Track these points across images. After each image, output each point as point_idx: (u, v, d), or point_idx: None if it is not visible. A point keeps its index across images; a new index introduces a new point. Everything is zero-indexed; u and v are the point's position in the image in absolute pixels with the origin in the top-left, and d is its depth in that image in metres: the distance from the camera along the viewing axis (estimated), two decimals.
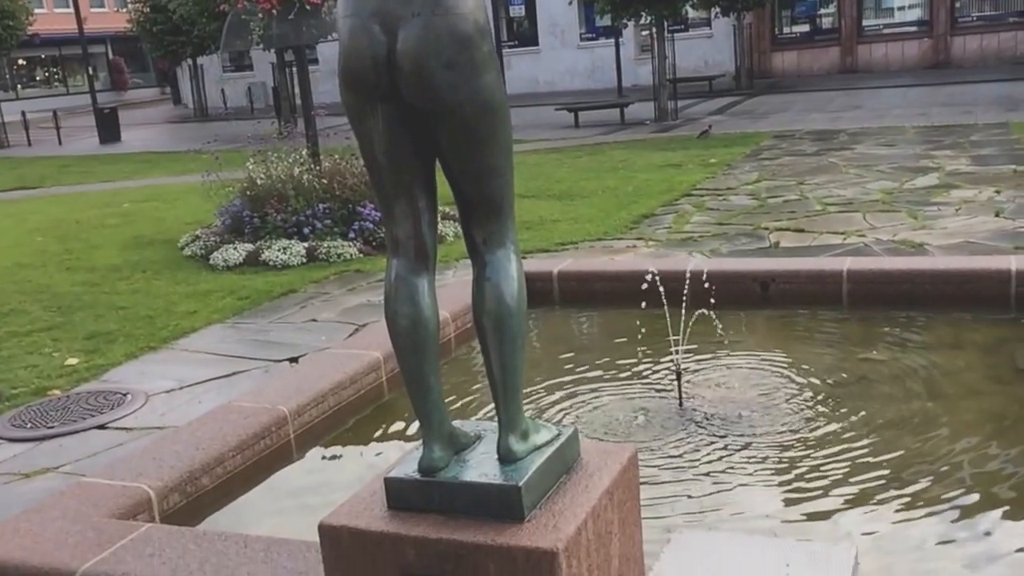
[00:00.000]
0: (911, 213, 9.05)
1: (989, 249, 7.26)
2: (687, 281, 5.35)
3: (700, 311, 4.64)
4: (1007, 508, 3.25)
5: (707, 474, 3.62)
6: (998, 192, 9.78)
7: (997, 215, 8.64)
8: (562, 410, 4.36)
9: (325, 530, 2.39)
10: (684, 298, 4.60)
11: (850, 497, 3.38)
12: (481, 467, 2.40)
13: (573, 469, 2.54)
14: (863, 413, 4.07)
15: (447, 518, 2.34)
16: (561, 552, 2.19)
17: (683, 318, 4.55)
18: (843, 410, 4.12)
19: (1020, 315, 5.19)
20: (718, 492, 3.49)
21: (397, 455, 4.01)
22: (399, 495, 2.40)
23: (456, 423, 2.57)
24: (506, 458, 2.41)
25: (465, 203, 2.41)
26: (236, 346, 6.34)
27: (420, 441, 2.56)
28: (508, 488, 2.30)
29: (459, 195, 2.42)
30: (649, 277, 4.65)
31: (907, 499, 3.34)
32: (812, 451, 3.75)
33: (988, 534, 3.11)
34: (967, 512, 3.24)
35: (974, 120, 16.17)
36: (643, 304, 4.74)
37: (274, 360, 5.92)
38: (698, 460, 3.74)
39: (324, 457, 4.14)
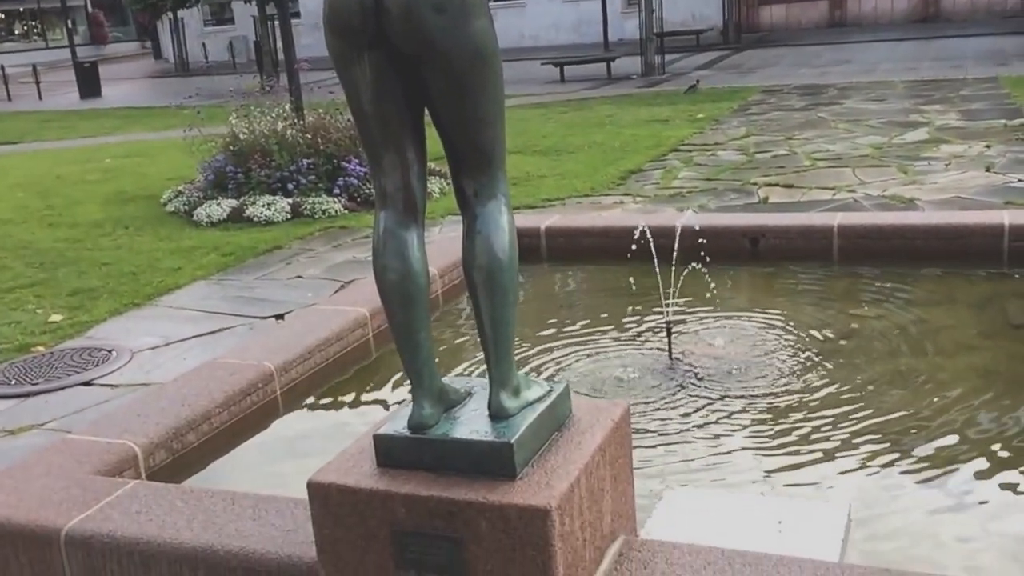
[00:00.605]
0: (901, 168, 9.01)
1: (980, 204, 7.24)
2: (677, 236, 5.33)
3: (690, 266, 4.60)
4: (1002, 466, 3.23)
5: (698, 432, 3.60)
6: (988, 147, 9.75)
7: (988, 170, 8.61)
8: (550, 366, 4.32)
9: (314, 488, 2.35)
10: (680, 253, 4.55)
11: (842, 455, 3.36)
12: (472, 424, 2.36)
13: (565, 426, 2.50)
14: (854, 370, 4.05)
15: (437, 475, 2.30)
16: (554, 510, 2.16)
17: (673, 274, 4.51)
18: (834, 367, 4.09)
19: (1012, 270, 5.17)
20: (709, 450, 3.47)
21: (385, 411, 3.99)
22: (388, 452, 2.36)
23: (446, 379, 2.53)
24: (498, 415, 2.36)
25: (455, 154, 2.35)
26: (221, 303, 6.28)
27: (409, 397, 2.52)
28: (500, 445, 2.26)
29: (449, 146, 2.35)
30: (638, 232, 4.60)
31: (900, 457, 3.32)
32: (804, 408, 3.72)
33: (982, 492, 3.09)
34: (961, 470, 3.22)
35: (964, 74, 16.10)
36: (630, 258, 4.69)
37: (259, 317, 5.87)
38: (689, 417, 3.72)
39: (311, 413, 4.10)
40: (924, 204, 7.44)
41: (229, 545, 2.68)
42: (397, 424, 2.40)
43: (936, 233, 5.44)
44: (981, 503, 3.03)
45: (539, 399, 2.45)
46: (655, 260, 4.50)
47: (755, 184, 8.76)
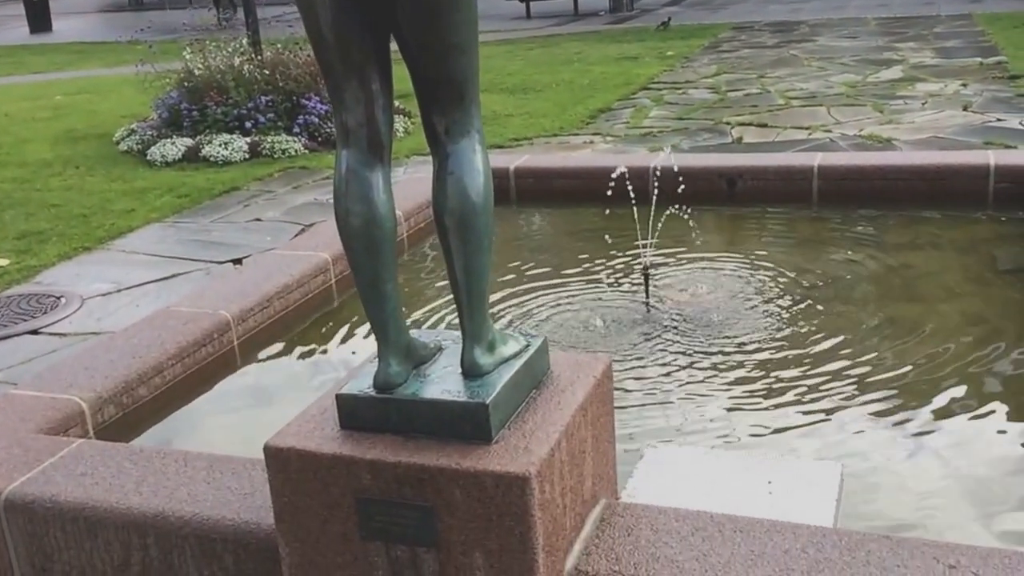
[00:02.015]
0: (877, 107, 8.85)
1: (959, 144, 7.10)
2: (651, 178, 5.14)
3: (665, 209, 4.40)
4: (996, 417, 3.10)
5: (679, 385, 3.43)
6: (964, 85, 9.62)
7: (965, 109, 8.48)
8: (521, 315, 4.13)
9: (271, 452, 2.15)
10: (655, 195, 4.36)
11: (830, 408, 3.21)
12: (443, 383, 2.16)
13: (543, 383, 2.32)
14: (839, 319, 3.89)
15: (406, 439, 2.11)
16: (534, 477, 1.97)
17: (650, 217, 4.31)
18: (818, 314, 3.94)
19: (997, 212, 5.03)
20: (691, 404, 3.29)
21: (348, 364, 3.79)
22: (352, 413, 2.17)
23: (414, 332, 2.33)
24: (471, 372, 2.17)
25: (424, 86, 2.12)
26: (176, 247, 6.05)
27: (375, 353, 2.32)
28: (474, 406, 2.07)
29: (417, 78, 2.12)
30: (615, 174, 4.40)
31: (890, 410, 3.16)
32: (788, 359, 3.56)
33: (977, 444, 2.95)
34: (954, 423, 3.08)
35: (937, 11, 15.93)
36: (603, 201, 4.49)
37: (216, 261, 5.64)
38: (668, 369, 3.55)
39: (270, 365, 3.88)
40: (902, 144, 7.29)
41: (181, 510, 2.48)
42: (362, 383, 2.20)
43: (919, 174, 5.29)
44: (977, 457, 2.89)
45: (515, 355, 2.26)
46: (633, 203, 4.29)
47: (728, 124, 8.57)
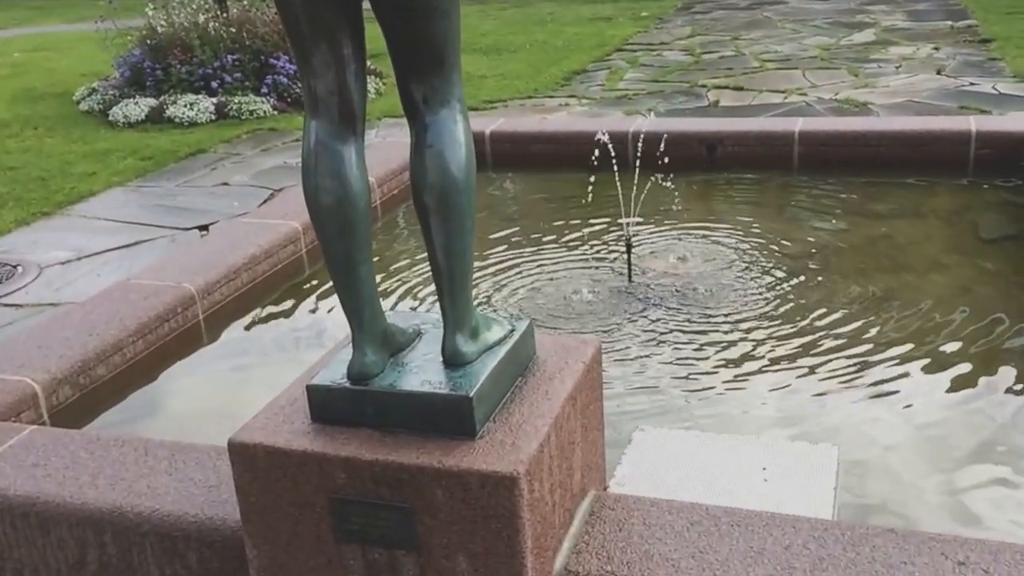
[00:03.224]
0: (851, 70, 8.74)
1: (935, 109, 7.00)
2: (630, 143, 4.99)
3: (646, 175, 4.24)
4: (991, 392, 2.99)
5: (663, 362, 3.29)
6: (937, 49, 9.53)
7: (939, 73, 8.39)
8: (491, 287, 3.97)
9: (236, 448, 1.99)
10: (637, 161, 4.21)
11: (821, 385, 3.09)
12: (423, 373, 2.01)
13: (529, 370, 2.17)
14: (825, 289, 3.77)
15: (383, 434, 1.96)
16: (522, 476, 1.83)
17: (628, 183, 4.15)
18: (803, 286, 3.81)
19: (978, 179, 4.94)
20: (677, 382, 3.17)
21: (321, 340, 3.63)
22: (325, 406, 2.01)
23: (390, 316, 2.17)
24: (453, 361, 2.02)
25: (400, 51, 1.94)
26: (139, 212, 5.83)
27: (348, 337, 2.17)
28: (457, 399, 1.92)
29: (393, 41, 1.95)
30: (596, 139, 4.24)
31: (881, 386, 3.05)
32: (776, 334, 3.44)
33: (971, 419, 2.84)
34: (948, 398, 2.97)
35: None
36: (581, 166, 4.34)
37: (182, 228, 5.43)
38: (653, 346, 3.41)
39: (238, 342, 3.70)
40: (879, 109, 7.18)
41: (140, 505, 2.32)
42: (334, 372, 2.04)
43: (901, 140, 5.18)
44: (974, 434, 2.78)
45: (500, 341, 2.11)
46: (615, 169, 4.13)
47: (704, 86, 8.41)
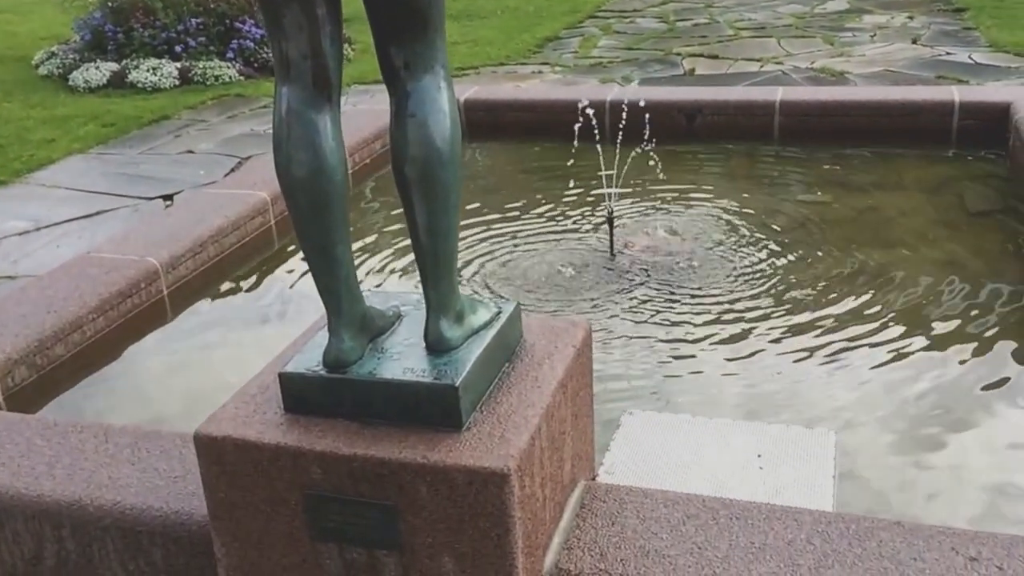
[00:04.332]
0: (826, 39, 8.64)
1: (912, 79, 6.91)
2: (608, 112, 4.86)
3: (623, 145, 4.11)
4: (989, 377, 2.90)
5: (649, 344, 3.16)
6: (911, 18, 9.46)
7: (914, 42, 8.31)
8: (466, 262, 3.83)
9: (203, 441, 1.85)
10: (612, 130, 4.06)
11: (813, 366, 2.98)
12: (405, 359, 1.88)
13: (516, 355, 2.04)
14: (812, 265, 3.66)
15: (362, 426, 1.83)
16: (514, 472, 1.71)
17: (606, 153, 4.01)
18: (790, 261, 3.71)
19: (962, 151, 4.85)
20: (663, 364, 3.04)
21: (292, 318, 3.47)
22: (299, 396, 1.87)
23: (367, 295, 2.04)
24: (437, 347, 1.88)
25: (380, 12, 1.79)
26: (101, 180, 5.62)
27: (323, 318, 2.03)
28: (442, 388, 1.79)
29: (372, 1, 1.79)
30: (577, 108, 4.09)
31: (875, 371, 2.94)
32: (764, 314, 3.32)
33: (969, 403, 2.75)
34: (946, 382, 2.87)
35: None
36: (562, 135, 4.19)
37: (145, 197, 5.24)
38: (637, 325, 3.29)
39: (204, 319, 3.54)
40: (856, 78, 7.08)
41: (101, 498, 2.18)
42: (309, 359, 1.90)
43: (883, 110, 5.09)
44: (971, 420, 2.69)
45: (486, 325, 1.98)
46: (596, 138, 3.99)
47: (679, 55, 8.28)
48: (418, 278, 2.27)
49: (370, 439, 1.79)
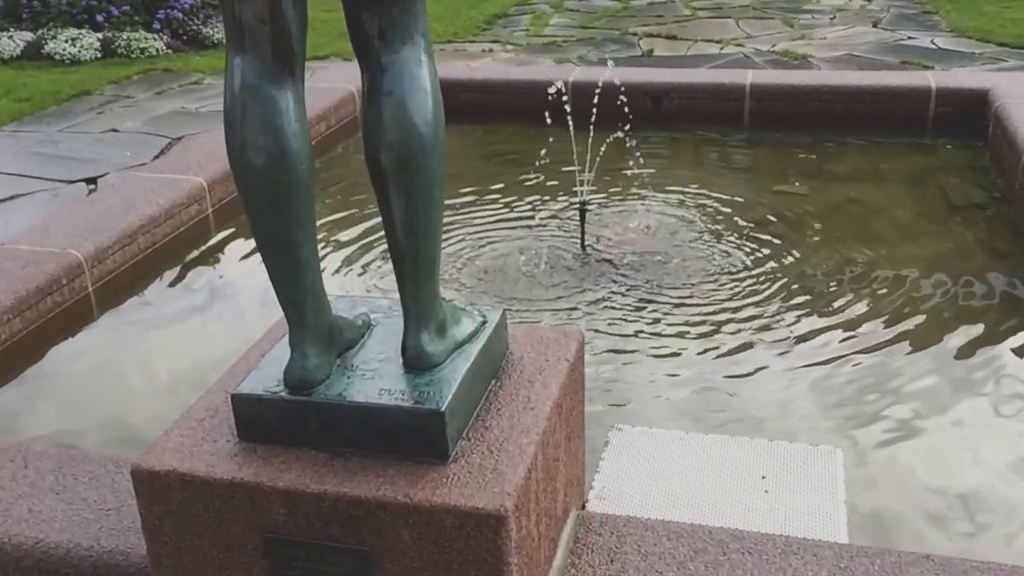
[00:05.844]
0: (786, 21, 8.49)
1: (877, 64, 6.77)
2: (571, 93, 4.60)
3: (586, 128, 3.85)
4: (990, 373, 2.71)
5: (626, 346, 2.92)
6: (869, 1, 9.34)
7: (875, 25, 8.21)
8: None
9: (143, 477, 1.56)
10: (592, 115, 3.81)
11: (803, 373, 2.77)
12: (380, 379, 1.61)
13: (504, 371, 1.78)
14: (793, 263, 3.45)
15: (331, 457, 1.56)
16: (511, 513, 1.45)
17: (568, 137, 3.75)
18: (768, 259, 3.48)
19: (938, 139, 4.68)
20: (645, 370, 2.80)
21: (235, 321, 3.16)
22: (255, 421, 1.59)
23: (332, 299, 1.76)
24: (417, 364, 1.62)
25: None
26: (16, 161, 5.22)
27: (280, 322, 1.76)
28: (425, 414, 1.52)
29: None
30: (544, 89, 3.83)
31: (871, 378, 2.73)
32: (748, 316, 3.09)
33: (953, 403, 2.56)
34: (932, 384, 2.68)
35: None
36: (520, 118, 3.93)
37: (65, 180, 4.86)
38: (612, 325, 3.04)
39: (135, 320, 3.20)
40: (819, 62, 6.91)
41: (19, 535, 1.88)
42: (267, 377, 1.62)
43: (857, 96, 4.90)
44: (973, 428, 2.51)
45: (470, 336, 1.71)
46: (569, 122, 3.72)
47: (635, 34, 8.06)
48: (384, 277, 2.00)
49: (342, 474, 1.52)
